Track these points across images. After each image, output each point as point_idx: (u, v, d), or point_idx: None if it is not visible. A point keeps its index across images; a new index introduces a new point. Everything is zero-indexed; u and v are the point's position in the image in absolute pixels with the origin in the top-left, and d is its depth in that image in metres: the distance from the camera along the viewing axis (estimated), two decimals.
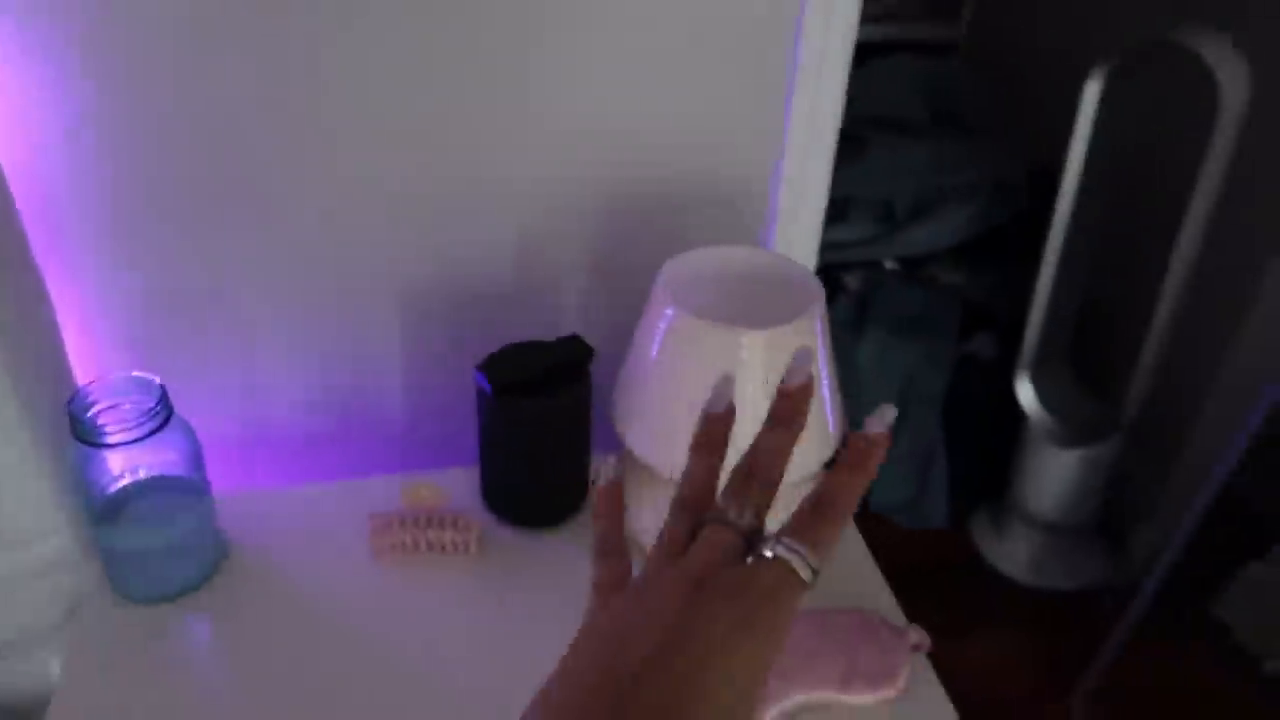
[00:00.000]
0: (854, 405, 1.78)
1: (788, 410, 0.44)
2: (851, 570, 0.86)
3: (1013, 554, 1.69)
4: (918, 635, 0.78)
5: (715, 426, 0.45)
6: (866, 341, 1.73)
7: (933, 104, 1.98)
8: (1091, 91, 1.33)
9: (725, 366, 0.74)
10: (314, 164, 0.83)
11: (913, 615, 1.64)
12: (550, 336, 0.96)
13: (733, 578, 0.39)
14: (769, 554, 0.39)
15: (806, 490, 0.82)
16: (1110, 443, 1.54)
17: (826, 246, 1.85)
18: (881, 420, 0.44)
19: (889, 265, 1.81)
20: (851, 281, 1.82)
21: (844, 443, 0.44)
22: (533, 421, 0.81)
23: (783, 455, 0.43)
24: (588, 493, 0.89)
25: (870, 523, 1.79)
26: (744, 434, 0.75)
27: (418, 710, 0.72)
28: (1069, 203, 1.42)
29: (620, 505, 0.47)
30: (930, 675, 0.77)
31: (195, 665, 0.75)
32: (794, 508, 0.80)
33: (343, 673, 0.74)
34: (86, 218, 0.81)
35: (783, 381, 0.45)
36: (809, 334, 0.75)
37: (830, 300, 1.82)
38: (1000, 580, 1.69)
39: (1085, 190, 1.41)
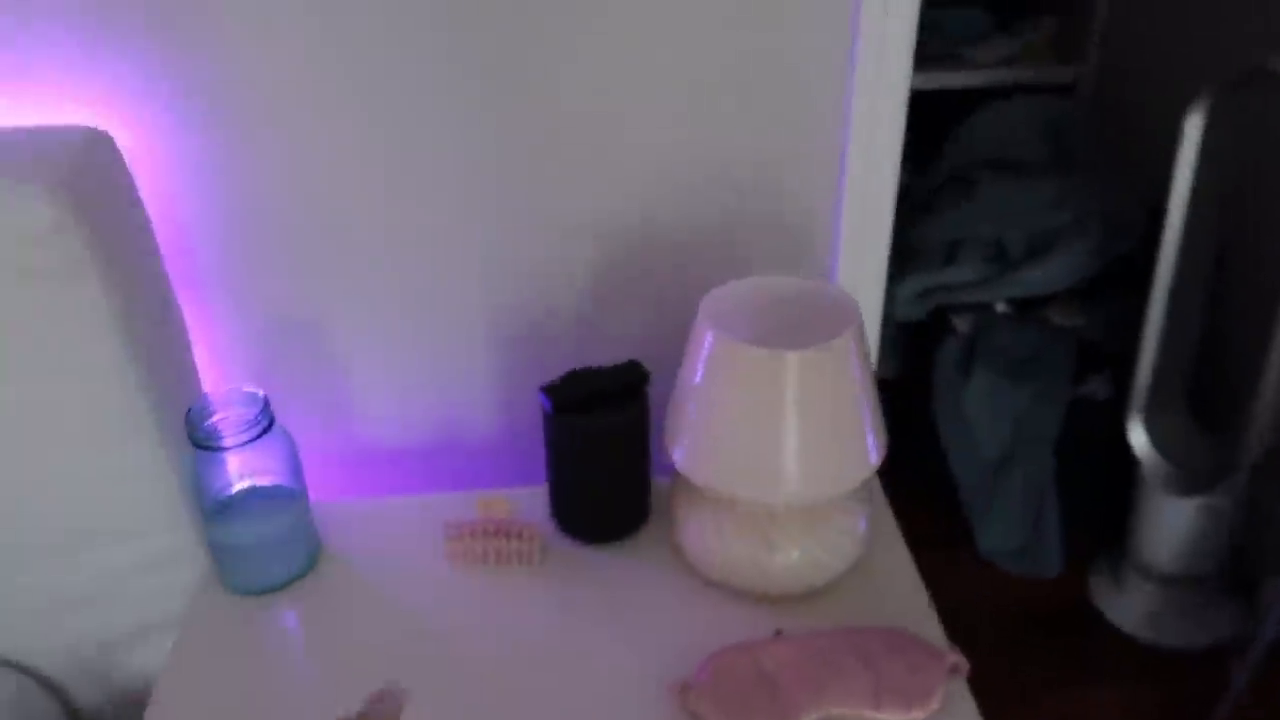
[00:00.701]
0: (963, 447, 1.76)
1: None
2: (897, 589, 0.87)
3: (1129, 607, 1.62)
4: (955, 657, 0.79)
5: None
6: (975, 383, 1.71)
7: (1052, 144, 1.95)
8: (1193, 123, 1.30)
9: (766, 387, 0.78)
10: (406, 212, 0.93)
11: (1021, 666, 1.59)
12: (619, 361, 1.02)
13: None
14: None
15: (850, 503, 0.85)
16: (1231, 488, 1.47)
17: (936, 289, 1.84)
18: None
19: (1000, 307, 1.78)
20: (961, 324, 1.81)
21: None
22: (591, 440, 0.87)
23: None
24: (648, 511, 0.95)
25: (980, 568, 1.75)
26: (788, 456, 0.78)
27: (480, 704, 0.78)
28: (1175, 237, 1.38)
29: None
30: (968, 700, 0.78)
31: (286, 652, 0.84)
32: (835, 524, 0.83)
33: (413, 665, 0.81)
34: (214, 255, 0.93)
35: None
36: (844, 355, 0.79)
37: (939, 342, 1.81)
38: (1116, 634, 1.62)
39: (1192, 223, 1.37)
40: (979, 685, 1.55)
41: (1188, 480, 1.48)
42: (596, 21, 0.86)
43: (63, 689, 0.99)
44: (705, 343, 0.80)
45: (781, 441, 0.79)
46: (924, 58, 2.27)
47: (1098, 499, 1.73)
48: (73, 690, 0.99)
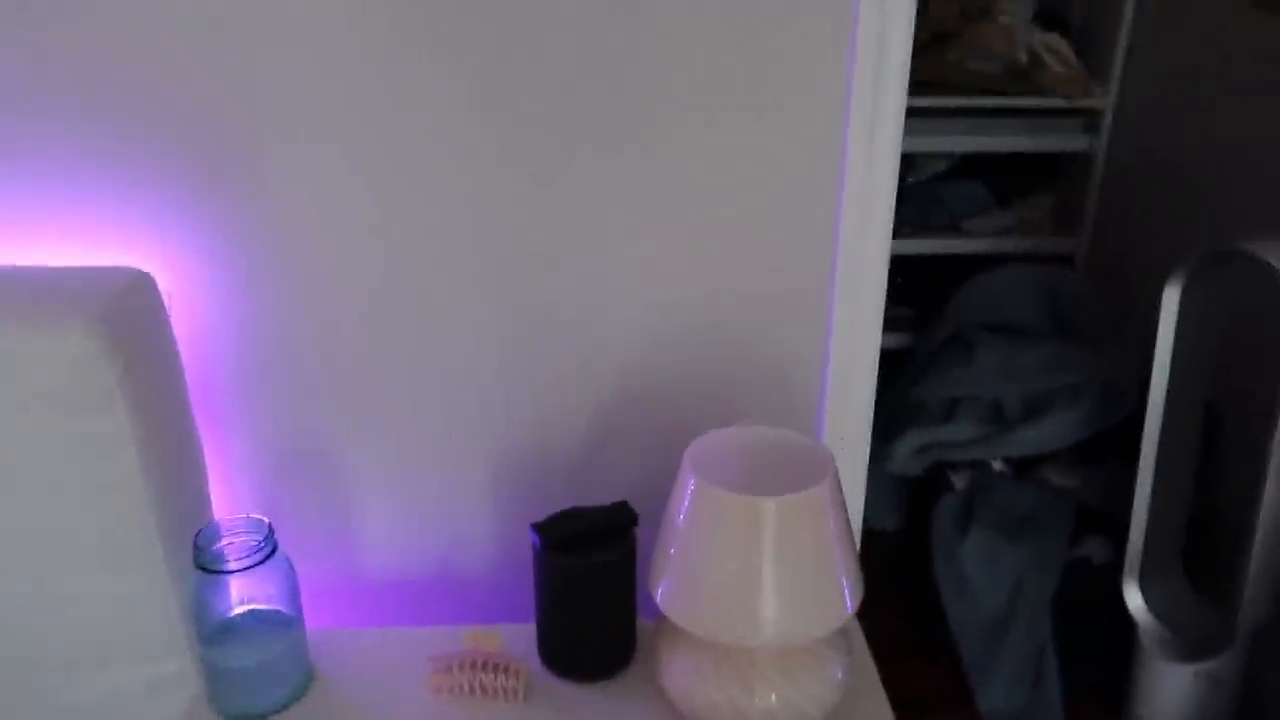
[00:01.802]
0: (963, 604, 1.76)
1: None
2: None
3: None
4: None
5: None
6: (973, 540, 1.72)
7: (1048, 310, 2.03)
8: (1170, 296, 1.37)
9: (743, 532, 0.82)
10: (416, 360, 1.00)
11: None
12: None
13: None
14: None
15: (826, 650, 0.87)
16: (1232, 656, 1.45)
17: (934, 445, 1.88)
18: None
19: (997, 466, 1.82)
20: (958, 480, 1.84)
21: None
22: (578, 577, 0.90)
23: None
24: (634, 650, 0.97)
25: None
26: (766, 599, 0.81)
27: None
28: (1159, 403, 1.43)
29: None
30: None
31: None
32: (812, 670, 0.85)
33: None
34: (237, 390, 1.00)
35: None
36: (820, 503, 0.83)
37: (936, 499, 1.84)
38: None
39: (1175, 391, 1.42)
40: None
41: (1185, 647, 1.48)
42: (597, 181, 0.95)
43: None
44: (688, 488, 0.84)
45: (759, 585, 0.82)
46: (926, 227, 2.38)
47: (1099, 662, 1.72)
48: None
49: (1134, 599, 1.53)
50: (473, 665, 0.92)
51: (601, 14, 0.89)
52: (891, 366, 2.17)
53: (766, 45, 0.91)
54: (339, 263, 0.96)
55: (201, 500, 0.99)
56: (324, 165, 0.93)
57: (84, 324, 0.83)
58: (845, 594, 0.85)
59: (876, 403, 2.02)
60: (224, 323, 0.98)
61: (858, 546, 1.10)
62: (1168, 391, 1.42)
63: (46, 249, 0.94)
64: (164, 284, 0.94)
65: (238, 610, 0.90)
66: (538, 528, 0.91)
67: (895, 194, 1.00)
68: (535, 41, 0.89)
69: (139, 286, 0.91)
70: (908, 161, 2.36)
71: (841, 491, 0.86)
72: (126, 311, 0.87)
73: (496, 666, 0.92)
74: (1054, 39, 2.23)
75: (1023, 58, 2.21)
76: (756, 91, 0.93)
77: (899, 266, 2.40)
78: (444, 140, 0.92)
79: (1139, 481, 1.49)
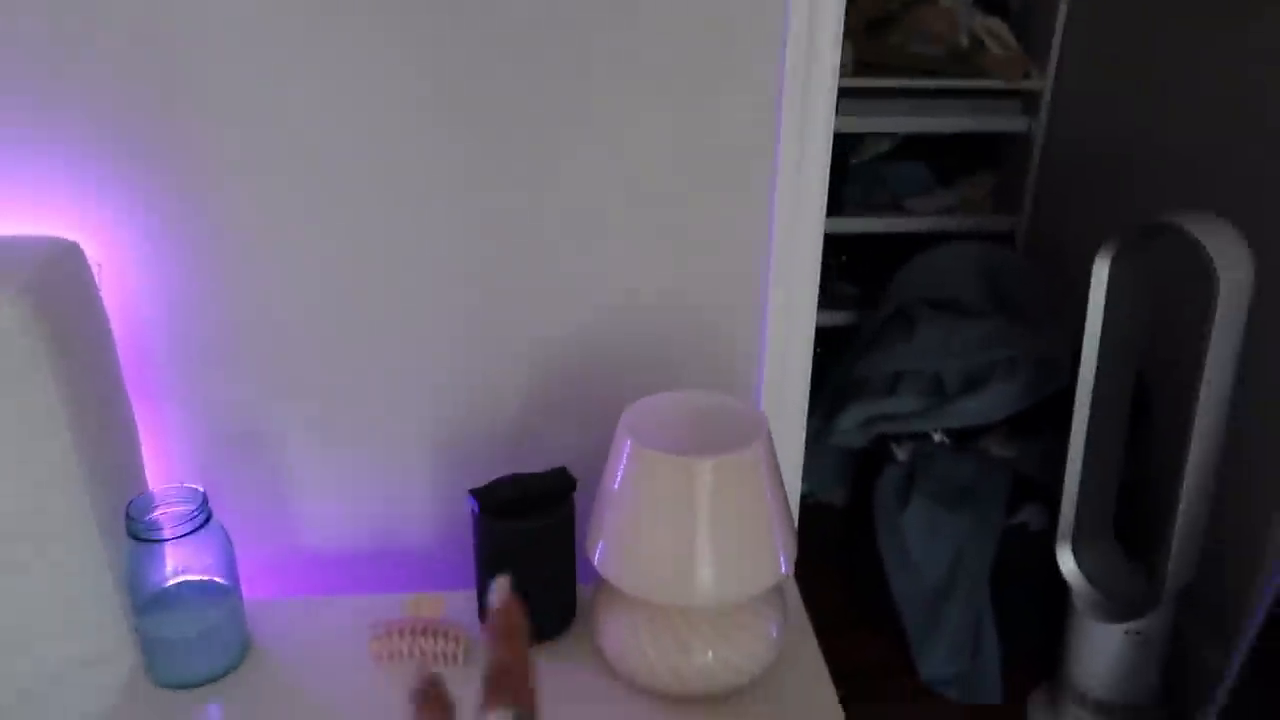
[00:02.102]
0: (904, 573, 1.79)
1: (499, 627, 0.47)
2: (808, 694, 0.91)
3: None
4: None
5: (511, 619, 0.47)
6: (913, 510, 1.76)
7: (988, 286, 2.07)
8: (1099, 270, 1.41)
9: (677, 493, 0.83)
10: (352, 330, 0.99)
11: None
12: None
13: None
14: None
15: (762, 607, 0.89)
16: (1158, 617, 1.50)
17: (878, 418, 1.91)
18: (499, 595, 0.48)
19: (937, 437, 1.85)
20: (901, 452, 1.87)
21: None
22: (516, 542, 0.91)
23: (520, 664, 0.46)
24: (574, 614, 0.98)
25: (921, 695, 1.76)
26: (701, 559, 0.83)
27: None
28: (1090, 373, 1.47)
29: (517, 630, 0.47)
30: None
31: None
32: (747, 628, 0.86)
33: None
34: (168, 360, 0.99)
35: (489, 605, 0.48)
36: (754, 464, 0.84)
37: (879, 470, 1.87)
38: None
39: (1105, 361, 1.46)
40: None
41: (1115, 607, 1.52)
42: (545, 161, 0.95)
43: None
44: (624, 451, 0.85)
45: (694, 545, 0.84)
46: (870, 206, 2.41)
47: (1035, 627, 1.76)
48: None
49: (1067, 563, 1.58)
50: (413, 631, 0.93)
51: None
52: (837, 344, 2.22)
53: (700, 30, 0.92)
54: (272, 235, 0.96)
55: (136, 473, 0.99)
56: (256, 135, 0.92)
57: (8, 295, 0.81)
58: (779, 554, 0.87)
59: (822, 379, 2.06)
60: (156, 294, 0.97)
61: (794, 512, 1.12)
62: (1098, 362, 1.46)
63: None
64: (92, 254, 0.93)
65: (173, 580, 0.89)
66: (476, 494, 0.92)
67: (828, 171, 1.01)
68: (479, 19, 0.89)
69: (66, 256, 0.89)
70: (851, 142, 2.39)
71: (775, 453, 0.88)
72: (53, 281, 0.86)
73: (436, 632, 0.93)
74: (994, 23, 2.27)
75: (964, 41, 2.25)
76: (691, 73, 0.94)
77: (843, 245, 2.45)
78: (380, 113, 0.92)
79: (1071, 450, 1.53)
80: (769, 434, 0.87)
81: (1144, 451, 1.72)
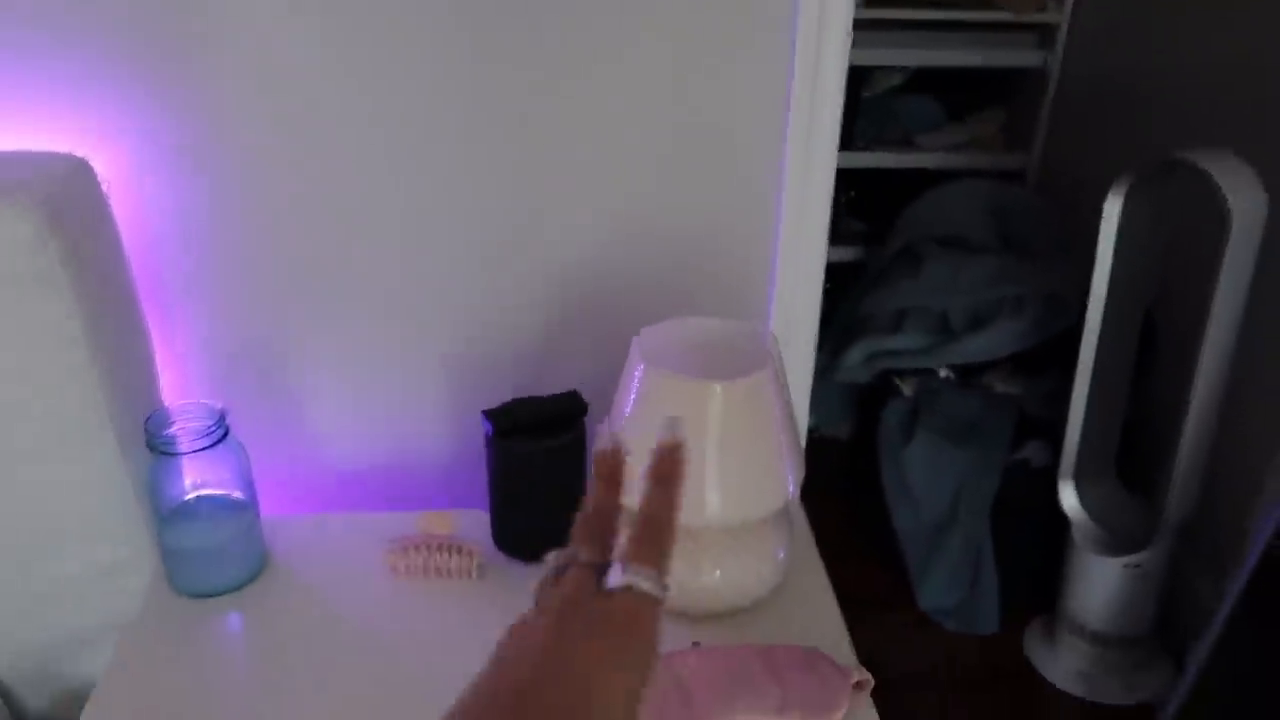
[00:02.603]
0: (906, 507, 1.82)
1: (664, 468, 0.49)
2: (814, 613, 0.93)
3: (1063, 665, 1.67)
4: (860, 674, 0.83)
5: (615, 465, 0.50)
6: (917, 444, 1.78)
7: (996, 224, 2.06)
8: (1112, 206, 1.40)
9: (688, 415, 0.84)
10: (368, 247, 1.00)
11: (959, 718, 1.63)
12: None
13: (592, 611, 0.44)
14: (623, 583, 0.45)
15: (769, 530, 0.91)
16: (1156, 551, 1.53)
17: (883, 354, 1.92)
18: (671, 430, 0.49)
19: (943, 373, 1.86)
20: (906, 388, 1.88)
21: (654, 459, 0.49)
22: (527, 462, 0.93)
23: (669, 515, 0.48)
24: None
25: (920, 625, 1.80)
26: (710, 481, 0.84)
27: (411, 707, 0.82)
28: (1099, 310, 1.47)
29: (618, 477, 0.49)
30: (871, 714, 0.83)
31: (227, 653, 0.88)
32: (754, 549, 0.88)
33: (352, 672, 0.85)
34: (182, 276, 1.00)
35: (658, 443, 0.49)
36: (764, 388, 0.85)
37: (884, 404, 1.88)
38: (1049, 690, 1.66)
39: (1113, 298, 1.46)
40: None
41: (1114, 541, 1.55)
42: (562, 92, 0.95)
43: (9, 690, 1.01)
44: (636, 374, 0.86)
45: (704, 467, 0.85)
46: (881, 141, 2.39)
47: (1034, 561, 1.79)
48: (20, 691, 1.01)
49: (1069, 498, 1.60)
50: (428, 547, 0.95)
51: None
52: (844, 280, 2.21)
53: None
54: (285, 152, 0.95)
55: (151, 387, 1.00)
56: (271, 52, 0.91)
57: (23, 208, 0.82)
58: (787, 477, 0.88)
59: (830, 315, 2.06)
60: (169, 210, 0.97)
61: (802, 438, 1.13)
62: (1107, 299, 1.46)
63: None
64: (101, 170, 0.93)
65: (191, 494, 0.91)
66: (489, 414, 0.93)
67: (842, 102, 1.01)
68: None
69: (77, 172, 0.89)
70: (862, 75, 2.37)
71: (785, 379, 0.89)
72: (66, 196, 0.86)
73: (450, 548, 0.95)
74: None
75: None
76: (705, 4, 0.93)
77: (852, 181, 2.43)
78: (399, 37, 0.91)
79: (1076, 385, 1.54)
80: (779, 359, 0.87)
81: (1148, 388, 1.73)
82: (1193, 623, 1.67)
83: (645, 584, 0.46)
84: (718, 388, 0.83)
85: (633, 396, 0.87)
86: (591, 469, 0.50)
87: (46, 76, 0.90)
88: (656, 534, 0.48)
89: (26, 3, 0.87)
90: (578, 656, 0.43)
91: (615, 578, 0.46)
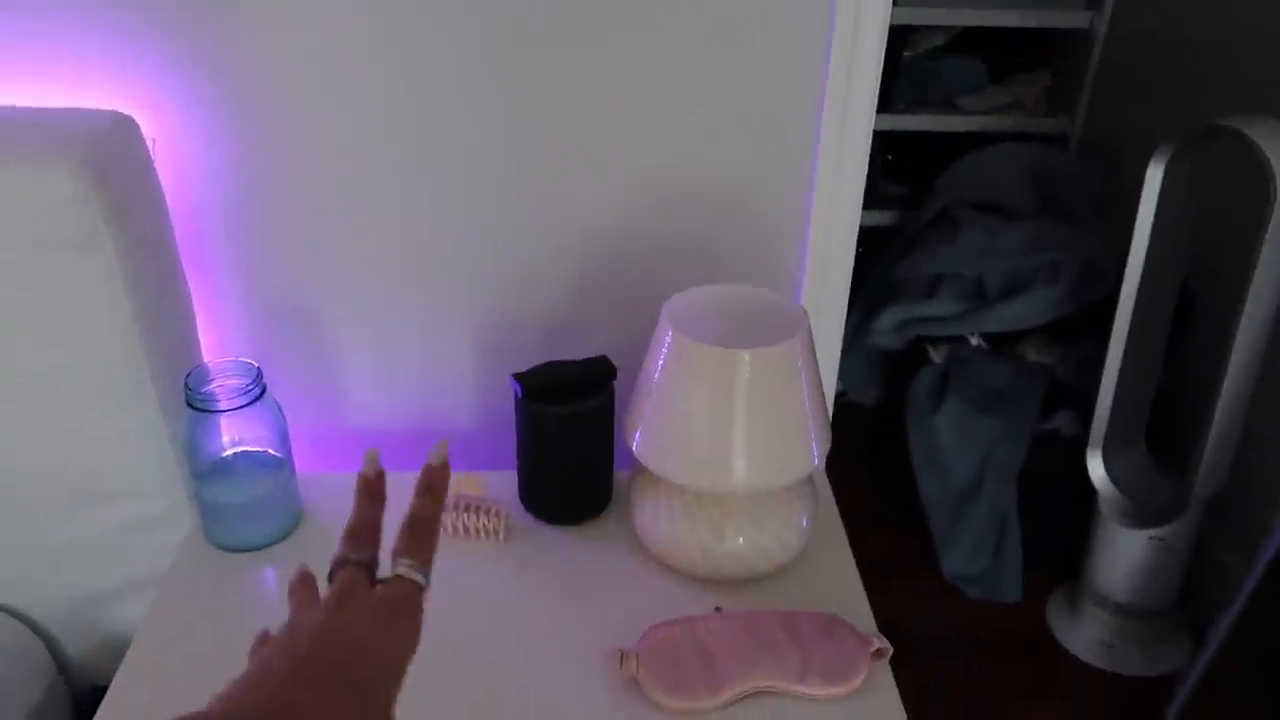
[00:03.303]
0: (933, 473, 1.82)
1: (428, 482, 0.59)
2: (835, 580, 0.94)
3: (1085, 635, 1.67)
4: (880, 642, 0.85)
5: (375, 485, 0.60)
6: (946, 411, 1.77)
7: (1035, 190, 2.03)
8: (1154, 173, 1.37)
9: (716, 382, 0.85)
10: (404, 211, 1.00)
11: (976, 686, 1.64)
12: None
13: (366, 595, 0.53)
14: (394, 572, 0.55)
15: (793, 497, 0.91)
16: (1183, 525, 1.52)
17: (915, 321, 1.91)
18: (437, 453, 0.60)
19: (974, 341, 1.85)
20: (936, 354, 1.87)
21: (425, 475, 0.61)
22: (556, 425, 0.94)
23: (433, 518, 0.58)
24: (610, 499, 1.01)
25: (943, 591, 1.81)
26: (737, 448, 0.85)
27: (438, 662, 0.84)
28: (1135, 280, 1.45)
29: (379, 497, 0.59)
30: (889, 680, 0.84)
31: (262, 606, 0.90)
32: (779, 516, 0.89)
33: None
34: (222, 237, 1.01)
35: (427, 462, 0.60)
36: (792, 357, 0.86)
37: (913, 372, 1.88)
38: (1070, 660, 1.67)
39: (1151, 268, 1.44)
40: (937, 701, 1.60)
41: (1141, 514, 1.54)
42: (593, 51, 0.94)
43: (52, 638, 1.05)
44: (665, 341, 0.87)
45: (731, 434, 0.86)
46: (922, 103, 2.35)
47: (1060, 531, 1.79)
48: (62, 639, 1.05)
49: (1096, 469, 1.59)
50: (456, 507, 0.97)
51: None
52: (880, 243, 2.20)
53: None
54: (325, 116, 0.96)
55: (191, 344, 1.02)
56: (313, 14, 0.91)
57: (70, 165, 0.83)
58: (812, 446, 0.89)
59: (864, 278, 2.04)
60: (210, 170, 0.98)
61: (830, 406, 1.14)
62: (1144, 267, 1.45)
63: (30, 90, 0.93)
64: (147, 129, 0.94)
65: (229, 451, 0.93)
66: (519, 377, 0.94)
67: (880, 66, 0.99)
68: None
69: (122, 129, 0.91)
70: (904, 35, 2.32)
71: (813, 349, 0.89)
72: (110, 153, 0.88)
73: (479, 509, 0.97)
74: None
75: None
76: None
77: (892, 143, 2.40)
78: (436, 5, 0.91)
79: (1109, 354, 1.53)
80: (808, 329, 0.88)
81: (1183, 359, 1.71)
82: (1217, 597, 1.67)
83: (412, 573, 0.55)
84: (745, 355, 0.84)
85: (661, 362, 0.87)
86: (357, 486, 0.60)
87: (94, 34, 0.91)
88: (422, 533, 0.57)
89: None
90: (353, 626, 0.51)
91: (394, 568, 0.55)
